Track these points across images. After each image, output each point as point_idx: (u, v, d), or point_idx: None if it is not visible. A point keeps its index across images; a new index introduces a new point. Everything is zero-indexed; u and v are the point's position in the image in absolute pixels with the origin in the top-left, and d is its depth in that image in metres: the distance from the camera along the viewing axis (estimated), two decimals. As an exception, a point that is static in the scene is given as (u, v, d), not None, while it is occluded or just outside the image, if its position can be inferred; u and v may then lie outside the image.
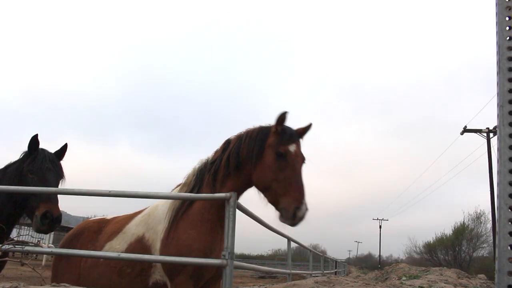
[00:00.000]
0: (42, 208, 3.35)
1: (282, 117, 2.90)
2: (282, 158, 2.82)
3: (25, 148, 3.81)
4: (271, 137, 2.92)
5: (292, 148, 2.86)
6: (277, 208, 2.78)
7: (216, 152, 3.20)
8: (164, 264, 2.93)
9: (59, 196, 3.55)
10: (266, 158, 2.87)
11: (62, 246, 3.68)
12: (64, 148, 3.98)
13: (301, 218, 2.67)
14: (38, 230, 3.44)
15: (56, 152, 3.91)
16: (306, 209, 2.67)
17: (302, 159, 2.93)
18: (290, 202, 2.66)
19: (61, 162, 3.94)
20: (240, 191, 3.02)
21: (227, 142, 3.15)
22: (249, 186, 3.04)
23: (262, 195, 2.94)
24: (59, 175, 3.76)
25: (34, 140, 3.74)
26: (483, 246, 36.87)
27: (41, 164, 3.63)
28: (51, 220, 3.34)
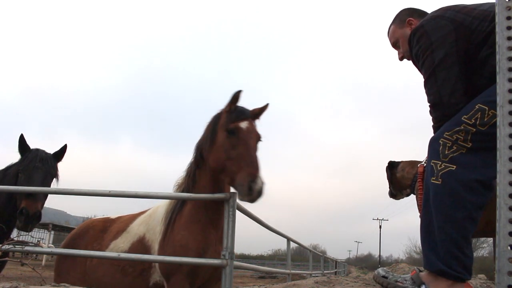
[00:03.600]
0: (21, 205, 3.36)
1: (235, 97, 2.81)
2: (233, 135, 2.72)
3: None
4: (222, 118, 2.84)
5: (243, 124, 2.75)
6: (234, 186, 2.67)
7: None
8: (161, 265, 2.94)
9: (58, 196, 3.55)
10: (218, 139, 2.79)
11: (66, 245, 3.66)
12: (63, 149, 3.97)
13: (259, 192, 2.49)
14: (17, 227, 3.45)
15: (55, 153, 3.90)
16: (262, 182, 2.51)
17: (256, 136, 2.79)
18: (244, 177, 2.51)
19: (60, 163, 3.94)
20: (216, 186, 2.88)
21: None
22: (221, 176, 2.81)
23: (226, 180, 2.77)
24: (49, 173, 3.73)
25: (20, 140, 3.76)
26: (483, 246, 36.88)
27: (30, 163, 3.63)
28: (26, 217, 3.32)
